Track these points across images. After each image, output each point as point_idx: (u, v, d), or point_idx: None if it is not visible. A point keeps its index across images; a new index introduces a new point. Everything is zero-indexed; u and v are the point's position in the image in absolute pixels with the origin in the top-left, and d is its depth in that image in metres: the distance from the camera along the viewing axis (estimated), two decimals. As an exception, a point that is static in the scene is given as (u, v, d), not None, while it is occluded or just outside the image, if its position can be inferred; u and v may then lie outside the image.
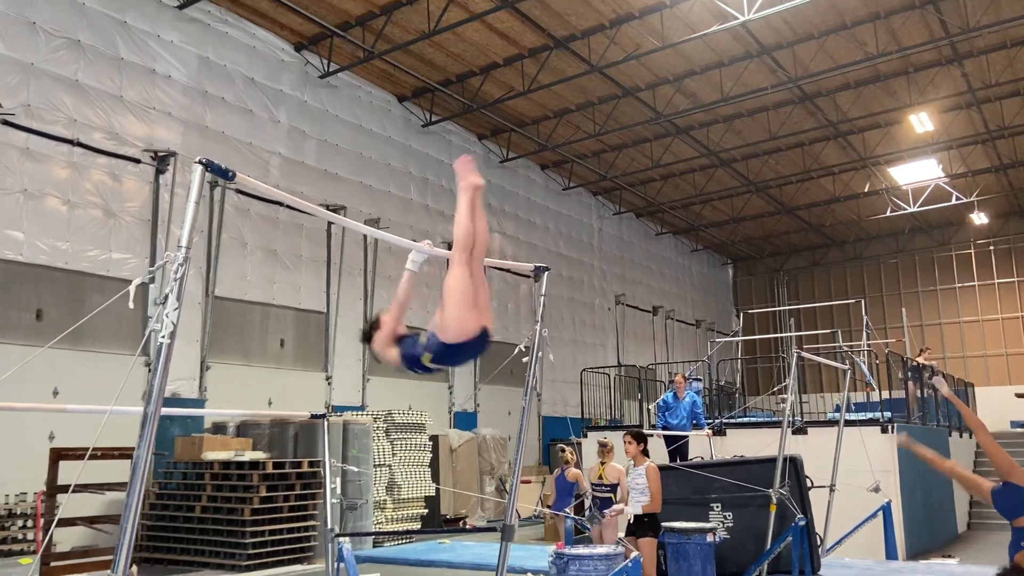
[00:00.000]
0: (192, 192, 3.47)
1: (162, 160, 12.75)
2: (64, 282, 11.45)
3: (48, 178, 11.50)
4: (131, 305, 3.47)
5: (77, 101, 11.87)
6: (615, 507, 7.28)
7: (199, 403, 12.75)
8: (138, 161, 12.56)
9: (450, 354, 4.16)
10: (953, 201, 22.73)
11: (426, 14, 13.80)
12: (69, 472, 8.81)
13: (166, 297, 3.38)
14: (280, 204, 14.23)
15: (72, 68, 11.84)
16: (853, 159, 21.51)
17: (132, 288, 3.47)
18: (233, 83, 14.23)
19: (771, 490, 8.43)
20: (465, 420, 18.27)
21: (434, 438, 15.39)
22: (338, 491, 7.53)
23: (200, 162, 3.48)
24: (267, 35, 14.83)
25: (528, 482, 17.57)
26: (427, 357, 4.24)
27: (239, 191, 13.71)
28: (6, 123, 10.89)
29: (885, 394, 12.89)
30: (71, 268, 11.54)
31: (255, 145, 14.47)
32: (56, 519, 8.25)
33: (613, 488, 8.28)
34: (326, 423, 6.33)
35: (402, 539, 13.17)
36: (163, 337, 3.38)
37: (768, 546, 8.09)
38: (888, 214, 24.01)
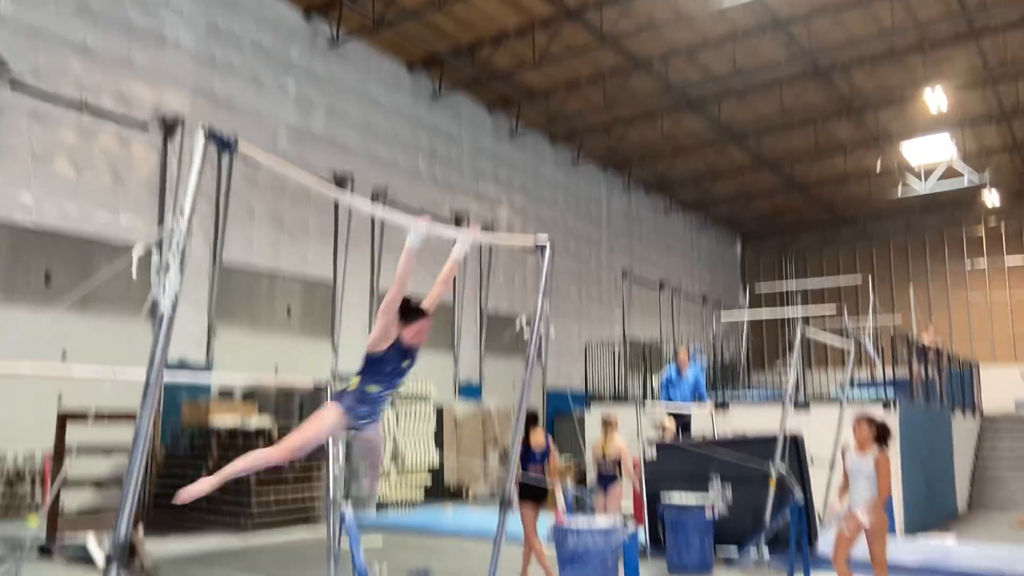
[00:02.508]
0: (195, 161, 3.48)
1: (170, 126, 12.74)
2: (72, 246, 11.51)
3: (57, 142, 11.52)
4: (134, 273, 3.50)
5: (86, 65, 11.85)
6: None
7: (206, 368, 12.86)
8: (146, 127, 12.56)
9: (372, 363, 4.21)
10: (965, 180, 22.51)
11: (436, -18, 13.67)
12: (77, 434, 8.93)
13: (167, 264, 3.41)
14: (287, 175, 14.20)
15: (81, 32, 11.81)
16: (865, 136, 21.31)
17: (135, 257, 3.51)
18: (241, 50, 14.16)
19: (771, 466, 8.50)
20: (470, 391, 18.39)
21: (439, 409, 15.51)
22: (341, 459, 7.61)
23: (203, 129, 3.48)
24: (276, 2, 14.72)
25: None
26: (372, 388, 4.22)
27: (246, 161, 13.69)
28: (15, 84, 10.88)
29: (889, 373, 12.89)
30: (80, 232, 11.61)
31: (263, 113, 14.43)
32: (62, 480, 8.38)
33: (617, 463, 8.33)
34: (329, 391, 6.39)
35: (406, 507, 13.34)
36: (165, 305, 3.41)
37: (767, 521, 8.17)
38: (899, 193, 23.80)
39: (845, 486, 6.29)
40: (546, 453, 7.77)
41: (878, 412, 11.28)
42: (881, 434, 6.22)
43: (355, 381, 4.19)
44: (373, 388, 4.19)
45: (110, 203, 12.04)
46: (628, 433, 9.18)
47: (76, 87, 11.70)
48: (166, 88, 12.91)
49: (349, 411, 4.15)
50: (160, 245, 3.48)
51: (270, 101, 14.58)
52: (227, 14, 13.89)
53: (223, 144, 3.59)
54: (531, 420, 7.98)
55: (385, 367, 4.20)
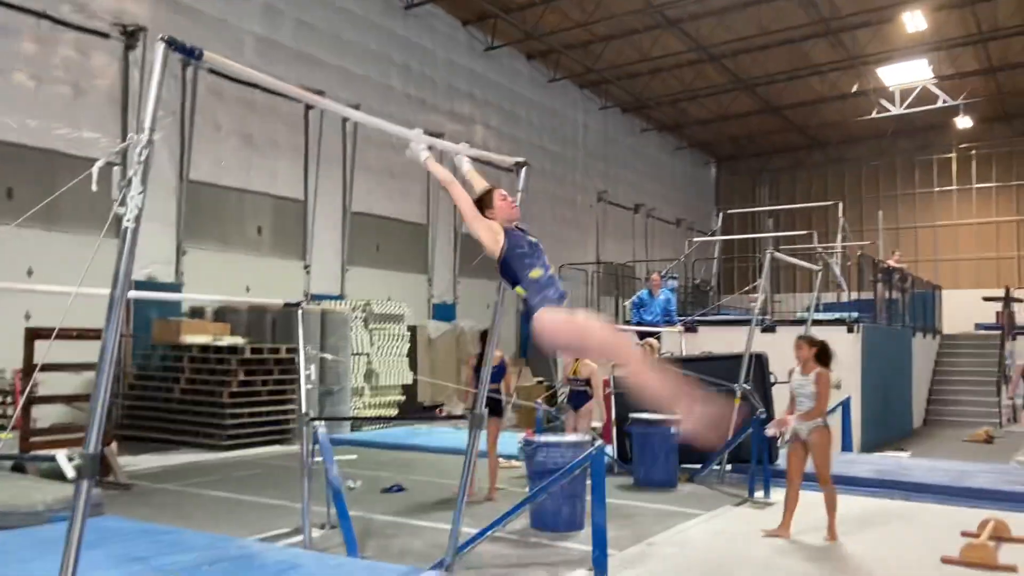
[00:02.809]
0: (155, 73, 3.37)
1: (131, 36, 12.28)
2: (34, 160, 11.21)
3: (15, 52, 11.08)
4: (94, 187, 3.42)
5: (40, -30, 11.29)
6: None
7: (176, 287, 12.77)
8: (107, 36, 12.09)
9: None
10: (940, 103, 22.52)
11: None
12: (47, 352, 8.88)
13: (130, 181, 3.34)
14: (256, 87, 13.84)
15: (33, -66, 11.21)
16: (843, 57, 21.12)
17: (95, 170, 3.42)
18: (205, -44, 13.55)
19: (736, 385, 8.73)
20: (444, 311, 18.48)
21: (412, 328, 15.61)
22: (314, 378, 7.67)
23: (164, 40, 3.36)
24: (240, -96, 14.03)
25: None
26: (536, 272, 3.99)
27: (212, 71, 13.27)
28: (-35, -9, 10.38)
29: (855, 295, 13.15)
30: (41, 146, 11.29)
31: (229, 22, 13.93)
32: (34, 396, 8.38)
33: (587, 382, 8.51)
34: (300, 311, 6.39)
35: (379, 424, 13.56)
36: (128, 221, 3.35)
37: (730, 436, 8.43)
38: (873, 115, 23.77)
39: (791, 406, 6.50)
40: (501, 369, 8.05)
41: (842, 333, 11.57)
42: (821, 354, 6.40)
43: (520, 290, 4.01)
44: (536, 273, 4.01)
45: (72, 116, 11.68)
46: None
47: (31, -7, 11.17)
48: (126, -4, 12.38)
49: (547, 302, 3.90)
50: (122, 159, 3.41)
51: (236, 10, 14.06)
52: (188, -83, 13.23)
53: (187, 53, 3.46)
54: (484, 338, 8.26)
55: (523, 249, 4.05)
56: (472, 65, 19.70)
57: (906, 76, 21.31)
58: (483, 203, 4.22)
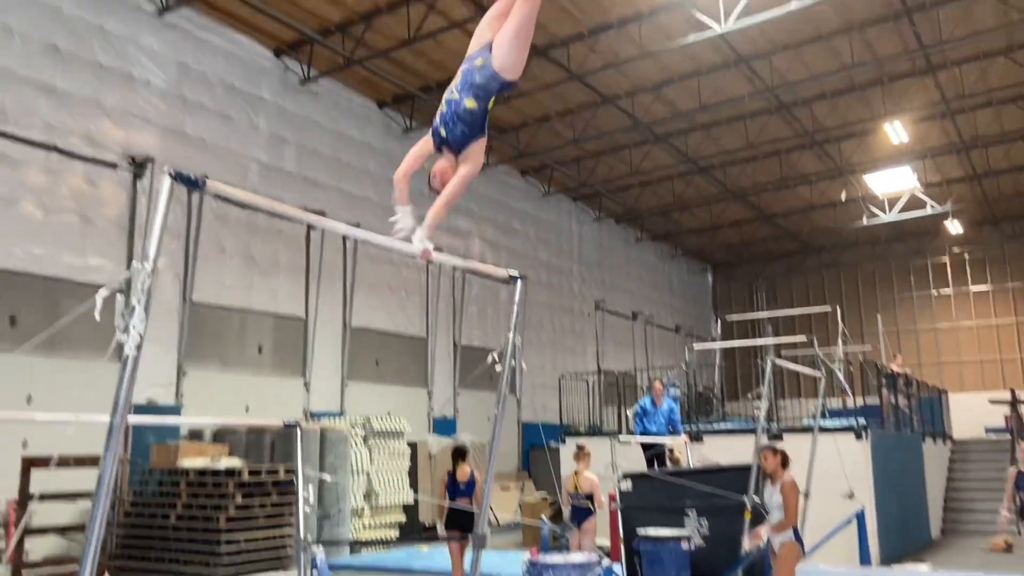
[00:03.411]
0: (160, 203, 3.49)
1: (139, 166, 12.68)
2: (39, 288, 11.35)
3: (24, 183, 11.40)
4: (97, 316, 3.46)
5: (54, 106, 11.77)
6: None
7: (175, 410, 12.67)
8: (115, 166, 12.48)
9: (495, 90, 4.05)
10: (928, 210, 23.02)
11: (406, 21, 13.84)
12: (42, 481, 8.73)
13: (132, 308, 3.39)
14: (258, 210, 14.18)
15: (49, 73, 11.75)
16: (829, 167, 21.75)
17: (98, 299, 3.47)
18: (212, 89, 14.18)
19: (745, 497, 8.53)
20: (444, 426, 18.27)
21: (413, 444, 15.38)
22: (312, 499, 7.51)
23: (168, 172, 3.49)
24: (247, 41, 14.79)
25: (507, 489, 17.60)
26: (470, 101, 4.07)
27: (217, 196, 13.65)
28: (-20, 128, 10.79)
29: (860, 401, 13.03)
30: (46, 274, 11.45)
31: (234, 151, 14.42)
32: (27, 528, 8.18)
33: (590, 497, 8.32)
34: (298, 431, 6.33)
35: (379, 547, 13.15)
36: (130, 348, 3.38)
37: (742, 552, 8.16)
38: (864, 222, 24.25)
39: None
40: (471, 484, 8.07)
41: (850, 440, 11.39)
42: (784, 461, 6.44)
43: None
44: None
45: (78, 244, 11.91)
46: (604, 468, 9.18)
47: (44, 127, 11.61)
48: (135, 127, 12.86)
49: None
50: (126, 287, 3.46)
51: (241, 139, 14.58)
52: (197, 54, 13.92)
53: (191, 184, 3.60)
54: (457, 454, 8.61)
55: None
56: (469, 183, 20.20)
57: (893, 184, 21.87)
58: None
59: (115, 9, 12.68)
